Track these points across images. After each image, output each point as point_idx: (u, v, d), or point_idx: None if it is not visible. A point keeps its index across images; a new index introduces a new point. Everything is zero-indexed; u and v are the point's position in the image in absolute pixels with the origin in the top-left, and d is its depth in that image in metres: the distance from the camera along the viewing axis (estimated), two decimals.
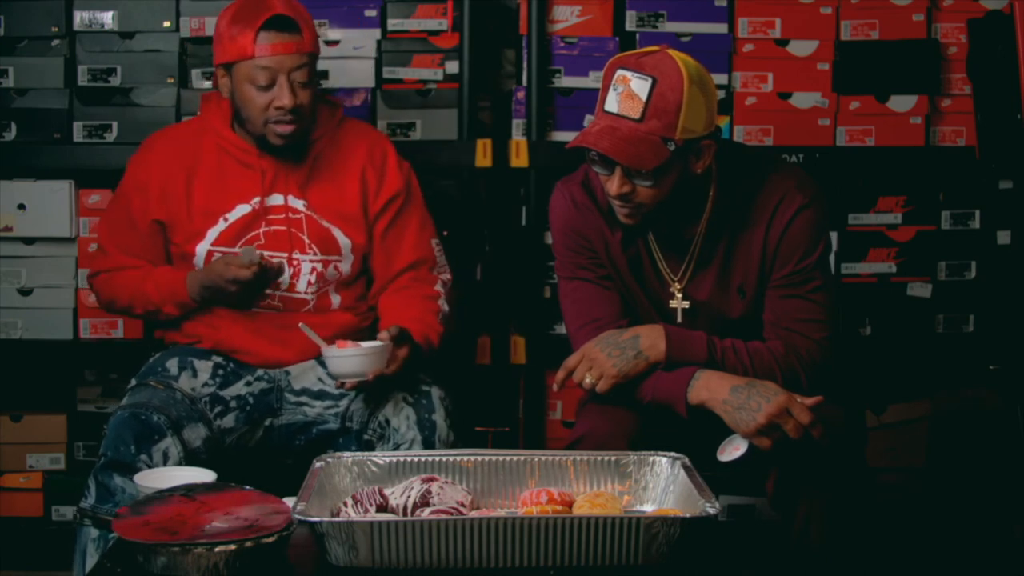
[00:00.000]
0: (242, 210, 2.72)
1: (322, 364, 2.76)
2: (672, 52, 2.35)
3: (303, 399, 2.76)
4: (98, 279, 2.83)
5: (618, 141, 2.31)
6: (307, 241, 2.73)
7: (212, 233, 2.72)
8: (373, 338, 2.71)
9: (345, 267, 2.78)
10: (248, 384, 2.75)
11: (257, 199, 2.71)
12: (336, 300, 2.79)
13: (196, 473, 2.31)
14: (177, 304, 2.73)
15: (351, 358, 2.55)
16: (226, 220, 2.71)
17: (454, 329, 2.88)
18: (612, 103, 2.33)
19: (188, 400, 2.64)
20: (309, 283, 2.74)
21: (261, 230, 2.72)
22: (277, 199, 2.73)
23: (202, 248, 2.72)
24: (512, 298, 3.37)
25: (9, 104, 3.26)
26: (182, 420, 2.58)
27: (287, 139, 2.66)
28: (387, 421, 2.65)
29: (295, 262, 2.73)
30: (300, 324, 2.63)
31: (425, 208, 2.89)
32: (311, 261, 2.74)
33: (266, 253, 2.70)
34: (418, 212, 2.86)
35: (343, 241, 2.76)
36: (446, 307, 2.83)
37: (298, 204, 2.74)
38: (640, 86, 2.31)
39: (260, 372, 2.76)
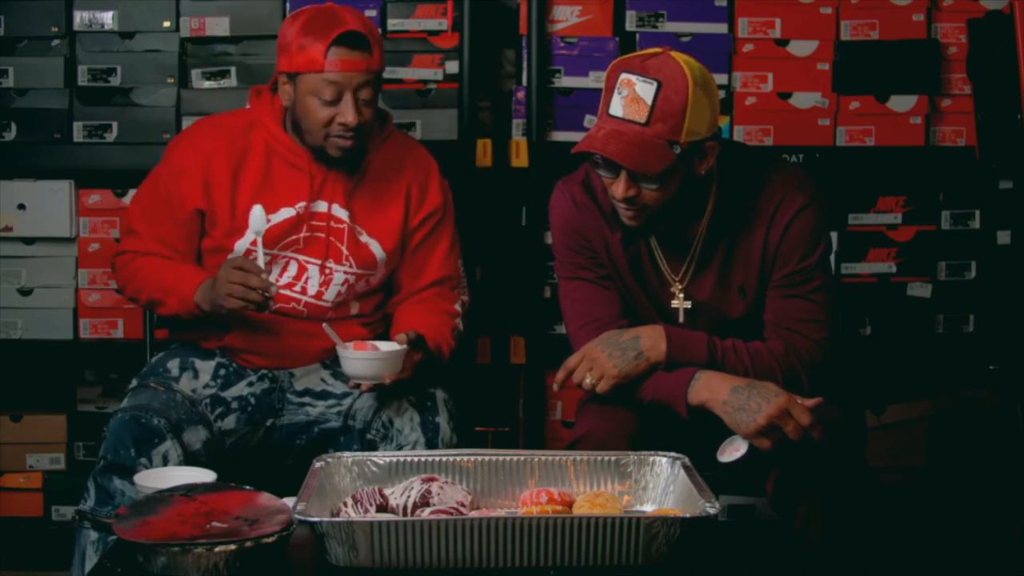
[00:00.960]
0: (286, 213, 2.68)
1: (326, 366, 2.76)
2: (675, 54, 2.35)
3: (305, 399, 2.76)
4: (121, 258, 2.74)
5: (624, 145, 2.31)
6: (345, 252, 2.71)
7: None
8: None
9: (375, 279, 2.77)
10: (250, 384, 2.74)
11: (303, 204, 2.68)
12: (355, 308, 2.78)
13: (196, 473, 2.31)
14: (180, 298, 2.63)
15: (371, 361, 2.53)
16: (268, 221, 2.66)
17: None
18: (617, 107, 2.33)
19: (188, 402, 2.63)
20: (338, 293, 2.72)
21: (302, 235, 2.69)
22: (322, 206, 2.69)
23: (241, 244, 2.67)
24: (512, 298, 3.37)
25: (9, 104, 3.26)
26: (182, 423, 2.57)
27: (346, 153, 2.63)
28: (391, 422, 2.65)
29: (327, 270, 2.71)
30: (324, 324, 2.61)
31: (456, 228, 2.87)
32: (345, 272, 2.72)
33: (300, 258, 2.68)
34: (451, 231, 2.84)
35: (380, 255, 2.74)
36: (461, 326, 2.82)
37: (342, 214, 2.70)
38: (645, 90, 2.31)
39: (263, 372, 2.76)
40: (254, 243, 2.60)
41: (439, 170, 2.84)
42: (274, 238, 2.68)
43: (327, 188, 2.69)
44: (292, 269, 2.70)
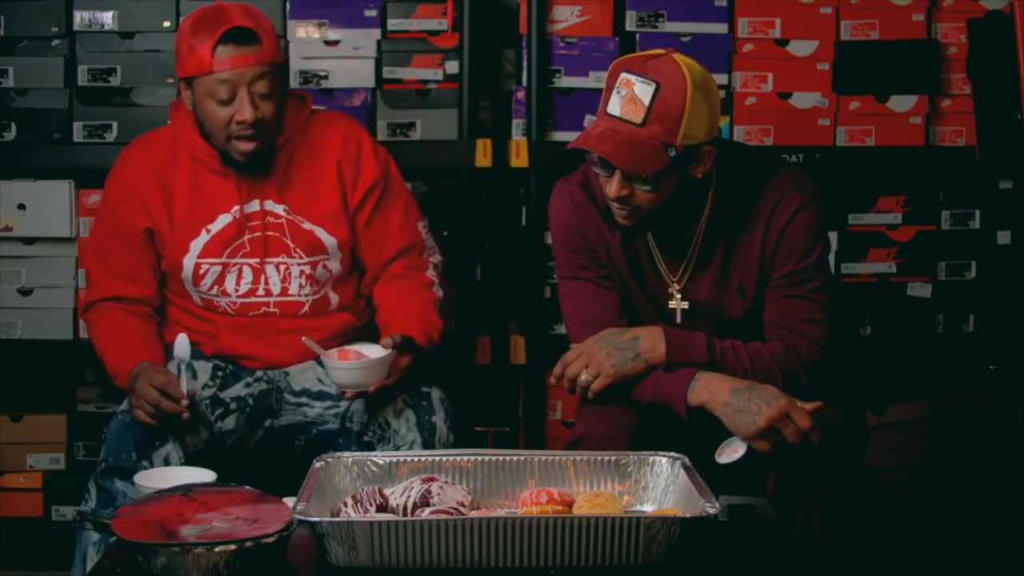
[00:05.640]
0: (224, 220, 2.69)
1: (321, 364, 2.76)
2: (677, 56, 2.34)
3: (303, 400, 2.76)
4: (89, 315, 2.77)
5: (618, 145, 2.31)
6: (291, 245, 2.71)
7: (196, 245, 2.69)
8: (373, 338, 2.71)
9: (335, 265, 2.77)
10: (247, 385, 2.74)
11: (237, 208, 2.69)
12: (335, 299, 2.79)
13: (196, 473, 2.31)
14: (122, 381, 2.63)
15: (353, 370, 2.53)
16: (209, 231, 2.69)
17: (453, 321, 2.87)
18: (615, 106, 2.33)
19: (189, 403, 2.63)
20: (300, 286, 2.73)
21: (246, 238, 2.70)
22: (255, 205, 2.70)
23: (189, 262, 2.69)
24: (512, 298, 3.37)
25: (9, 104, 3.26)
26: (183, 424, 2.57)
27: (249, 156, 2.63)
28: (387, 423, 2.65)
29: (282, 267, 2.72)
30: (304, 339, 2.61)
31: (408, 192, 2.86)
32: (299, 264, 2.72)
33: (251, 261, 2.69)
34: (401, 197, 2.83)
35: (328, 240, 2.74)
36: (440, 293, 2.82)
37: (278, 209, 2.70)
38: (643, 90, 2.31)
39: (259, 373, 2.76)
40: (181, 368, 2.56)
41: (373, 140, 2.82)
42: (220, 246, 2.69)
43: (257, 187, 2.70)
44: (247, 275, 2.71)
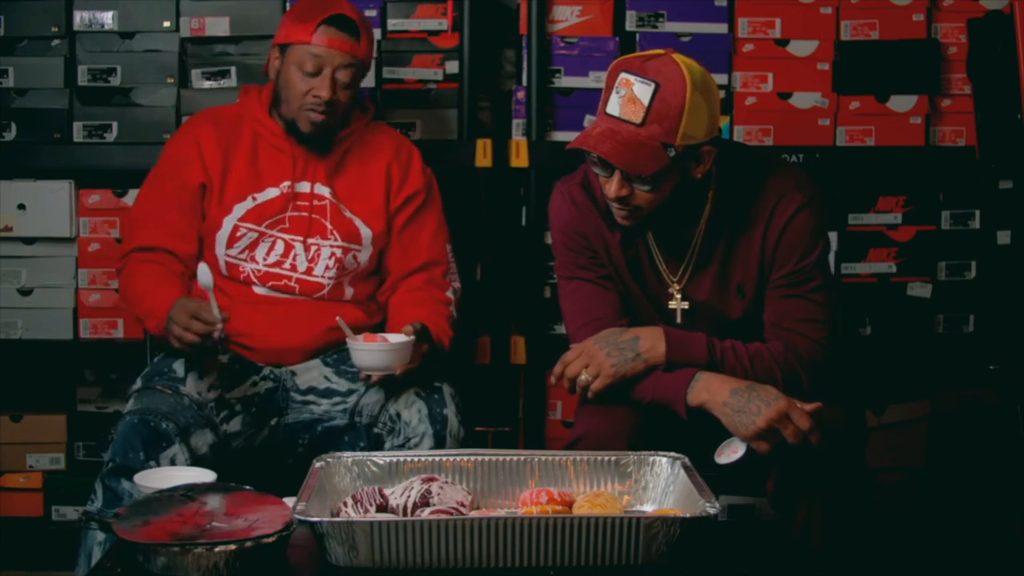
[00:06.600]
0: (271, 193, 2.79)
1: (327, 364, 2.77)
2: (677, 56, 2.34)
3: (310, 397, 2.77)
4: (127, 267, 2.81)
5: (618, 145, 2.31)
6: (329, 227, 2.79)
7: (239, 209, 2.77)
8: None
9: (364, 257, 2.83)
10: (254, 384, 2.75)
11: (287, 183, 2.78)
12: (349, 292, 2.84)
13: (196, 473, 2.31)
14: (156, 320, 2.65)
15: (382, 352, 2.58)
16: (254, 199, 2.78)
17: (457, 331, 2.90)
18: (614, 106, 2.33)
19: (195, 406, 2.64)
20: (327, 268, 2.79)
21: (287, 214, 2.78)
22: (304, 186, 2.80)
23: (229, 221, 2.77)
24: (512, 298, 3.37)
25: (9, 104, 3.26)
26: (190, 427, 2.58)
27: (317, 127, 2.74)
28: (398, 415, 2.67)
29: (314, 247, 2.78)
30: (337, 318, 2.66)
31: (443, 214, 2.95)
32: (331, 247, 2.79)
33: (286, 236, 2.77)
34: (436, 215, 2.93)
35: (364, 231, 2.82)
36: (456, 314, 2.88)
37: (324, 191, 2.80)
38: (643, 90, 2.31)
39: (266, 371, 2.77)
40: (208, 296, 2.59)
41: (422, 159, 2.93)
42: (261, 216, 2.78)
43: (309, 169, 2.81)
44: (279, 248, 2.79)
